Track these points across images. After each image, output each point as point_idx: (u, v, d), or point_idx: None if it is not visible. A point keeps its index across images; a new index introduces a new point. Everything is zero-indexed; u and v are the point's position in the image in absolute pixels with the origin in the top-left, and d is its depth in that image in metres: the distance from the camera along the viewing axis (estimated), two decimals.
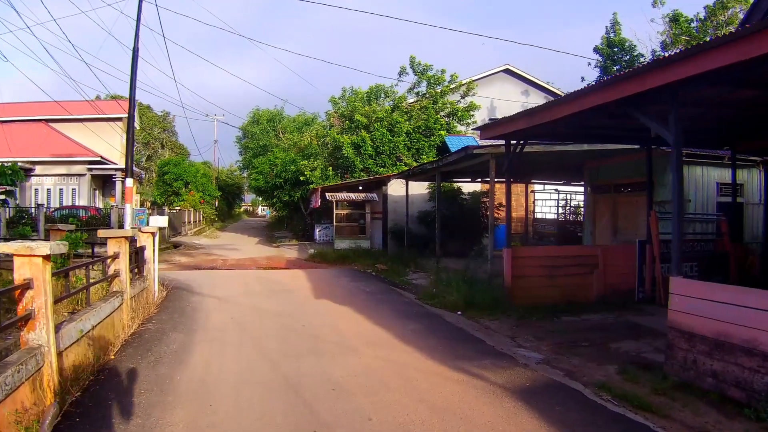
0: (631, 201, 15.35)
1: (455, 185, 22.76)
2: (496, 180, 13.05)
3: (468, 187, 22.76)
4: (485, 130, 11.23)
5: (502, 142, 11.95)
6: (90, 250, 12.84)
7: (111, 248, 8.31)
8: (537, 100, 33.09)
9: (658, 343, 7.87)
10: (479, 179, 22.42)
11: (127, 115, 34.68)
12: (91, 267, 8.70)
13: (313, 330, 7.77)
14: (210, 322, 8.24)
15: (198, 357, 6.44)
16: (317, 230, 29.18)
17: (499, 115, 32.96)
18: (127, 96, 36.70)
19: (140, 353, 6.63)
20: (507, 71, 32.44)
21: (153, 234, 10.35)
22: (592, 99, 7.77)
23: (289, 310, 9.32)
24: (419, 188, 21.90)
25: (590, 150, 13.46)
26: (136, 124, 38.91)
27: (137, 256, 9.76)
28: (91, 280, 8.04)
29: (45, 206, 26.36)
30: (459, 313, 10.35)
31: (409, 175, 18.82)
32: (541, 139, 11.94)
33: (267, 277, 13.74)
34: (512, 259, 10.97)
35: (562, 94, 33.59)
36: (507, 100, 32.52)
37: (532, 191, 22.26)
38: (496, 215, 22.80)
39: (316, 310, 9.33)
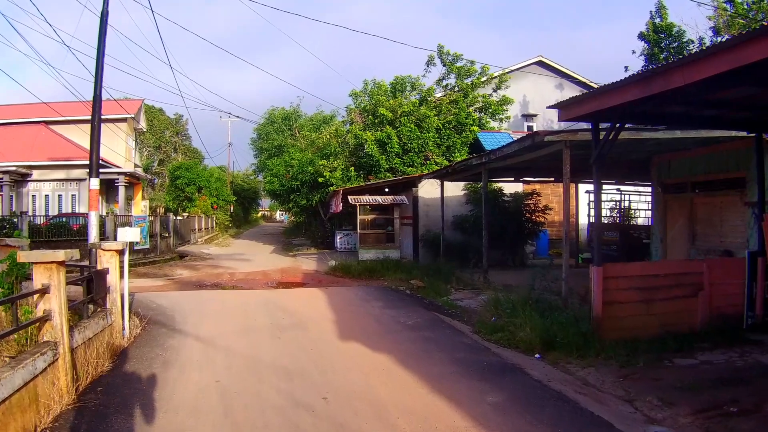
0: (714, 202, 12.53)
1: (495, 185, 19.86)
2: (571, 179, 10.18)
3: (508, 187, 19.89)
4: (566, 108, 8.33)
5: (583, 125, 9.24)
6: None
7: (38, 279, 5.59)
8: (572, 94, 29.61)
9: None
10: (525, 179, 19.52)
11: (131, 115, 32.65)
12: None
13: (339, 407, 4.88)
14: (181, 393, 5.34)
15: None
16: (338, 237, 26.45)
17: (532, 111, 30.10)
18: (133, 96, 34.67)
19: None
20: (540, 63, 29.63)
21: (119, 252, 7.63)
22: None
23: (303, 362, 6.44)
24: (454, 189, 19.05)
25: (695, 138, 10.51)
26: (143, 125, 36.74)
27: (94, 284, 7.03)
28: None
29: (30, 214, 24.12)
30: (538, 357, 7.60)
31: (447, 174, 15.95)
32: (639, 120, 8.99)
33: (277, 300, 10.89)
34: (603, 281, 8.21)
35: None
36: (541, 94, 29.83)
37: (587, 192, 19.24)
38: (540, 219, 19.95)
39: (341, 363, 6.41)
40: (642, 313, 8.34)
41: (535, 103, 29.53)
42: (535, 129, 28.14)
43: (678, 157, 13.26)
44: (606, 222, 19.42)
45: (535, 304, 9.47)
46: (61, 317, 5.62)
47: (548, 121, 29.67)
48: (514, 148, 10.62)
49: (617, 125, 8.00)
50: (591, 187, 19.82)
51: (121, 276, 7.76)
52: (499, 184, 19.81)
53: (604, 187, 19.86)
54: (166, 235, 24.33)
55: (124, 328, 7.89)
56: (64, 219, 22.11)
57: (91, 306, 7.86)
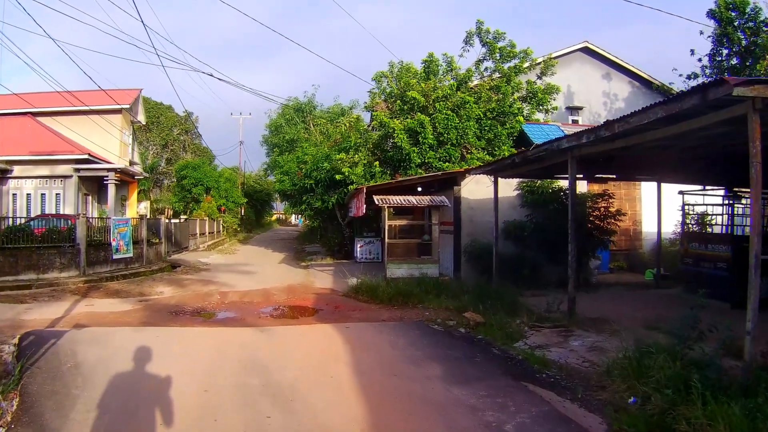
0: None
1: (556, 184, 15.86)
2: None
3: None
4: None
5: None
6: None
7: None
8: (620, 85, 25.92)
9: None
10: (598, 176, 15.43)
11: (126, 106, 28.93)
12: None
13: None
14: None
15: None
16: (358, 245, 22.52)
17: (577, 103, 26.05)
18: (129, 87, 31.04)
19: None
20: (585, 50, 25.78)
21: None
22: None
23: None
24: (504, 189, 15.03)
25: None
26: (141, 119, 33.07)
27: None
28: None
29: (9, 215, 20.53)
30: None
31: (513, 165, 11.86)
32: None
33: (271, 361, 6.61)
34: None
35: (654, 81, 26.42)
36: (586, 85, 26.02)
37: (680, 192, 15.06)
38: (611, 227, 15.87)
39: None
40: None
41: (580, 94, 25.75)
42: (580, 123, 24.35)
43: None
44: (705, 232, 15.19)
45: (696, 371, 5.64)
46: None
47: (595, 114, 25.95)
48: (658, 114, 6.48)
49: None
50: (671, 186, 15.76)
51: None
52: (560, 183, 15.85)
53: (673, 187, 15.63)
54: (156, 241, 20.57)
55: None
56: (35, 222, 18.38)
57: None
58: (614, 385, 6.25)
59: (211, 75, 25.24)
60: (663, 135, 7.53)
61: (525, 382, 6.14)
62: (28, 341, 7.54)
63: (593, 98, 25.91)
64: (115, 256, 17.31)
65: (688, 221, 15.30)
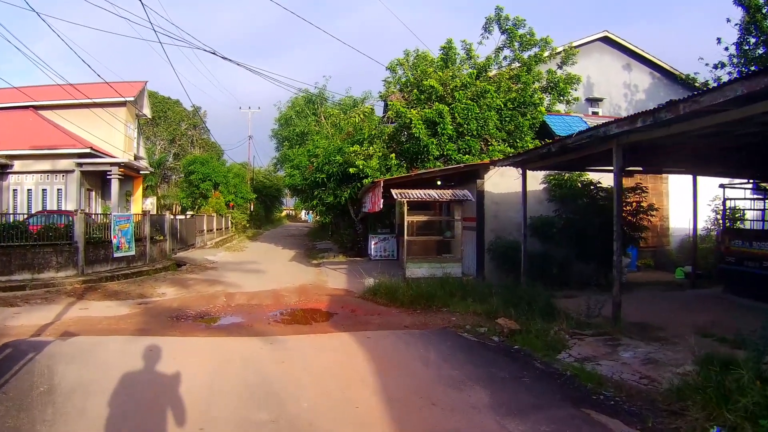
0: None
1: (586, 177, 14.80)
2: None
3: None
4: None
5: None
6: None
7: None
8: (641, 77, 24.73)
9: None
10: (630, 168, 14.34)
11: (131, 99, 28.02)
12: None
13: None
14: None
15: None
16: (372, 242, 21.49)
17: (597, 95, 24.90)
18: (134, 80, 30.06)
19: None
20: (605, 39, 24.67)
21: None
22: None
23: None
24: (531, 182, 13.93)
25: None
26: (147, 112, 32.17)
27: None
28: None
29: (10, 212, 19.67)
30: None
31: (547, 155, 10.71)
32: None
33: (280, 381, 5.43)
34: None
35: (677, 72, 25.17)
36: (606, 76, 24.89)
37: (722, 186, 13.95)
38: (643, 223, 14.80)
39: None
40: None
41: (599, 85, 24.63)
42: (600, 114, 23.30)
43: None
44: (751, 228, 14.03)
45: None
46: None
47: (615, 106, 24.86)
48: (738, 92, 5.32)
49: None
50: (716, 180, 14.57)
51: None
52: (590, 175, 14.80)
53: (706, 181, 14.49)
54: (160, 238, 19.64)
55: None
56: (33, 219, 17.46)
57: None
58: (690, 412, 5.21)
59: (214, 53, 24.06)
60: (731, 119, 6.40)
61: (586, 409, 5.09)
62: (5, 355, 6.59)
63: (613, 90, 24.87)
64: (116, 255, 16.39)
65: (727, 217, 14.19)
